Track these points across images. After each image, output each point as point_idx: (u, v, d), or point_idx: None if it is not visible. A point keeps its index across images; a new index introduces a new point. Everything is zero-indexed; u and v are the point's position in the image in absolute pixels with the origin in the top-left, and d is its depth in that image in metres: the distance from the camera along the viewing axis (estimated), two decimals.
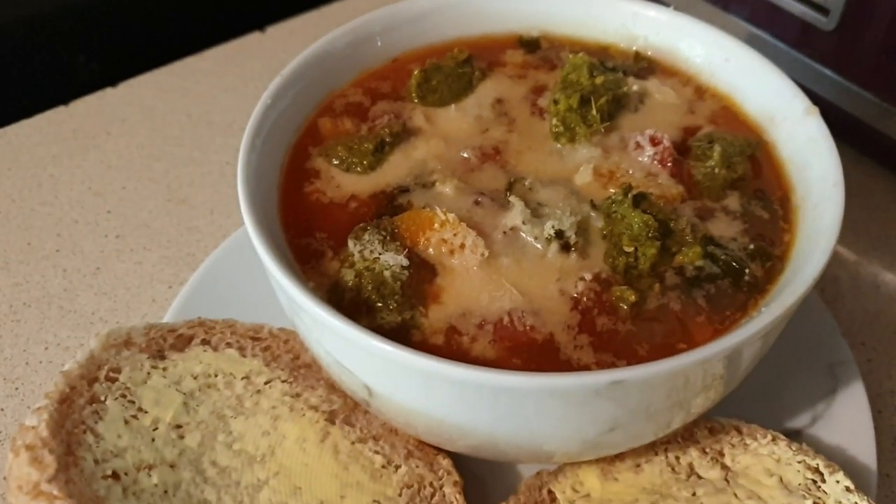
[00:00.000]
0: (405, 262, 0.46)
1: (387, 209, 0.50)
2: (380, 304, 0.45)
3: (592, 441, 0.43)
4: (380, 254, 0.46)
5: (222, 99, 0.81)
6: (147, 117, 0.80)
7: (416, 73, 0.56)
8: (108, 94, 0.81)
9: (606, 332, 0.44)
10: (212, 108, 0.81)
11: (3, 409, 0.58)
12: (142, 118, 0.79)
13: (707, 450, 0.50)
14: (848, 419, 0.53)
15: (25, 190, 0.73)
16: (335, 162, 0.52)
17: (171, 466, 0.44)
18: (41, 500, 0.39)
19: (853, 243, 0.68)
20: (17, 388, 0.60)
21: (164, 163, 0.75)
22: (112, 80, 0.82)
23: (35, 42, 0.86)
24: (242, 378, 0.50)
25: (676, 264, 0.46)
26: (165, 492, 0.43)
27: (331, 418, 0.50)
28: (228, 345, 0.51)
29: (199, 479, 0.44)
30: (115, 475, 0.42)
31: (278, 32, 0.89)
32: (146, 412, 0.46)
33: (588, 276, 0.45)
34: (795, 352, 0.56)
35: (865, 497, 0.46)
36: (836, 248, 0.66)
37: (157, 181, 0.74)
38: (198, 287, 0.58)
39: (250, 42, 0.88)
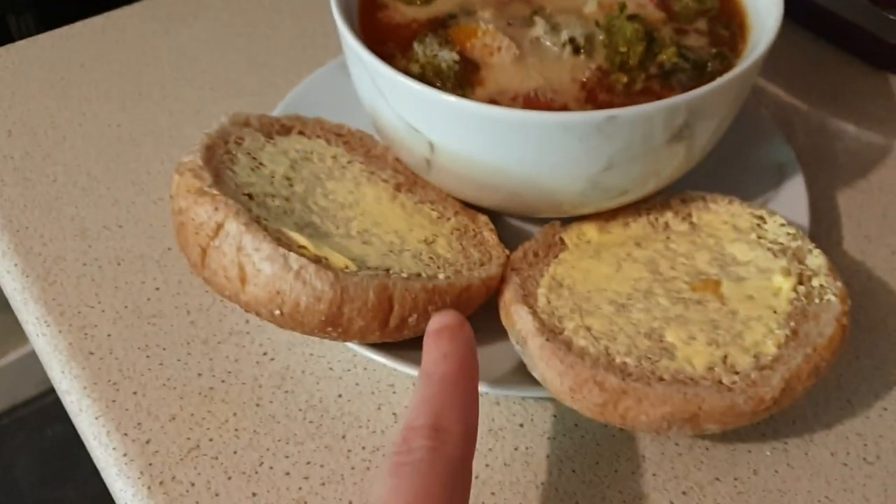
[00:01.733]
0: (457, 58, 0.62)
1: (440, 27, 0.66)
2: (439, 85, 0.61)
3: (593, 180, 0.59)
4: (438, 52, 0.62)
5: None
6: (227, 5, 0.96)
7: None
8: None
9: (605, 103, 0.60)
10: None
11: (134, 203, 0.75)
12: (223, 6, 0.96)
13: (679, 212, 0.66)
14: (790, 200, 0.69)
15: (132, 56, 0.90)
16: None
17: (287, 199, 0.60)
18: (205, 198, 0.55)
19: (806, 98, 0.84)
20: (142, 189, 0.76)
21: (245, 38, 0.92)
22: None
23: None
24: (331, 157, 0.66)
25: (658, 61, 0.62)
26: (285, 212, 0.59)
27: (398, 188, 0.66)
28: (318, 136, 0.68)
29: (307, 210, 0.60)
30: (249, 195, 0.58)
31: None
32: (265, 166, 0.62)
33: (593, 67, 0.62)
34: (750, 156, 0.72)
35: (795, 227, 0.62)
36: (791, 101, 0.83)
37: (239, 51, 0.90)
38: (291, 102, 0.75)
39: None
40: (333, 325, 0.54)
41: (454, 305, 0.58)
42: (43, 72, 0.89)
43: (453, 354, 0.50)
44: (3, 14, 1.01)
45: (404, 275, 0.57)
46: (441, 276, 0.59)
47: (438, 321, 0.52)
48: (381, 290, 0.54)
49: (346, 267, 0.55)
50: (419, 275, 0.58)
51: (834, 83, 0.86)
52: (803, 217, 0.67)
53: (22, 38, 0.95)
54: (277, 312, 0.54)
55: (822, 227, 0.72)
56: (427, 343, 0.51)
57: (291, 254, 0.53)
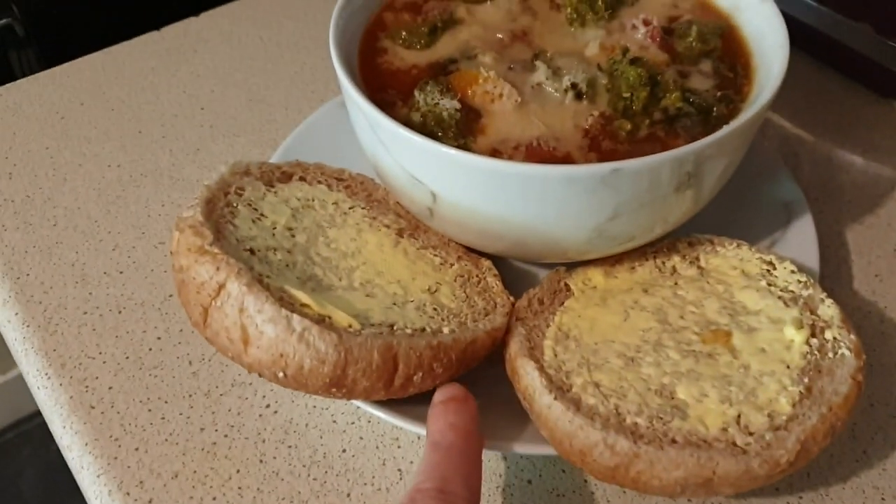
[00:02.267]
0: (458, 106, 0.61)
1: (441, 73, 0.65)
2: (440, 135, 0.60)
3: (598, 229, 0.58)
4: (439, 100, 0.61)
5: (287, 25, 0.97)
6: (226, 39, 0.95)
7: None
8: (193, 21, 0.97)
9: (609, 151, 0.59)
10: (279, 31, 0.96)
11: (135, 247, 0.74)
12: (222, 40, 0.95)
13: (686, 256, 0.65)
14: (799, 241, 0.68)
15: (132, 93, 0.89)
16: (399, 42, 0.67)
17: (289, 252, 0.59)
18: (206, 257, 0.54)
19: (812, 129, 0.83)
20: (143, 233, 0.75)
21: (244, 72, 0.91)
22: (196, 11, 0.98)
23: None
24: (332, 203, 0.65)
25: (662, 106, 0.61)
26: (287, 265, 0.58)
27: (400, 233, 0.65)
28: (319, 182, 0.67)
29: (309, 262, 0.59)
30: (251, 251, 0.57)
31: None
32: (266, 217, 0.61)
33: (595, 114, 0.61)
34: (758, 195, 0.71)
35: (805, 275, 0.61)
36: (798, 132, 0.82)
37: (238, 86, 0.89)
38: (292, 144, 0.74)
39: None
40: (338, 387, 0.53)
41: (459, 360, 0.57)
42: (43, 111, 0.89)
43: (460, 426, 0.51)
44: (4, 51, 1.01)
45: (408, 331, 0.56)
46: (445, 329, 0.58)
47: (445, 393, 0.53)
48: (386, 349, 0.53)
49: (350, 326, 0.54)
50: (423, 329, 0.57)
51: (840, 113, 0.85)
52: (813, 260, 0.66)
53: (23, 74, 0.95)
54: (281, 375, 0.53)
55: (832, 266, 0.71)
56: (434, 412, 0.52)
57: (294, 315, 0.52)
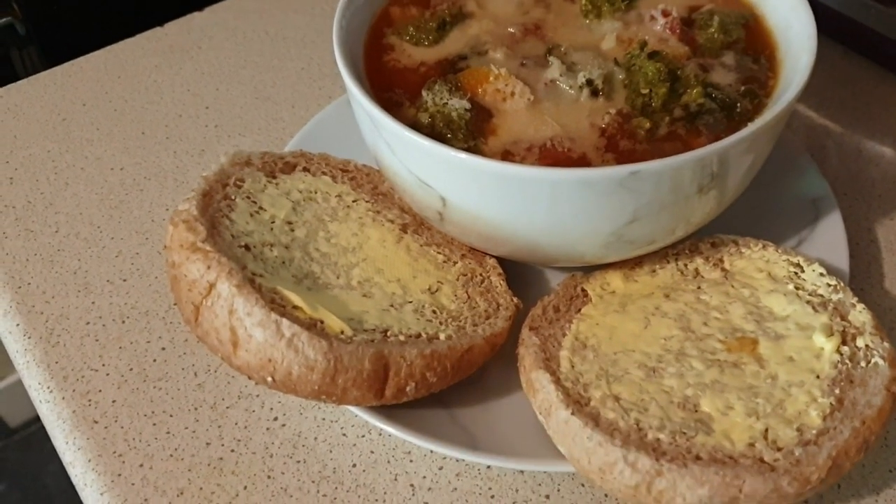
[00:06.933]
0: (468, 106, 0.58)
1: (450, 71, 0.62)
2: (450, 136, 0.57)
3: (616, 233, 0.55)
4: (448, 100, 0.59)
5: (294, 18, 0.94)
6: (231, 35, 0.93)
7: None
8: (197, 16, 0.95)
9: (627, 151, 0.56)
10: (285, 25, 0.94)
11: (138, 254, 0.72)
12: (227, 35, 0.93)
13: (710, 258, 0.62)
14: (827, 240, 0.65)
15: (135, 93, 0.87)
16: (406, 38, 0.65)
17: (286, 247, 0.57)
18: (198, 254, 0.52)
19: (840, 118, 0.80)
20: (147, 238, 0.73)
21: (250, 70, 0.89)
22: (199, 5, 0.95)
23: None
24: (335, 196, 0.63)
25: (683, 102, 0.58)
26: (283, 262, 0.56)
27: (404, 229, 0.63)
28: (323, 173, 0.65)
29: (307, 258, 0.57)
30: (246, 247, 0.55)
31: None
32: (265, 210, 0.59)
33: (613, 111, 0.58)
34: (783, 191, 0.68)
35: (835, 278, 0.58)
36: (825, 122, 0.78)
37: (244, 83, 0.87)
38: (299, 143, 0.72)
39: None
40: (327, 394, 0.52)
41: (455, 368, 0.55)
42: (45, 112, 0.86)
43: None
44: (6, 50, 0.99)
45: (401, 337, 0.54)
46: (442, 335, 0.55)
47: None
48: (377, 358, 0.51)
49: (342, 332, 0.52)
50: (418, 335, 0.55)
51: (869, 102, 0.82)
52: (842, 259, 0.63)
53: (27, 73, 0.93)
54: (269, 379, 0.51)
55: (862, 264, 0.68)
56: None
57: (284, 320, 0.50)
